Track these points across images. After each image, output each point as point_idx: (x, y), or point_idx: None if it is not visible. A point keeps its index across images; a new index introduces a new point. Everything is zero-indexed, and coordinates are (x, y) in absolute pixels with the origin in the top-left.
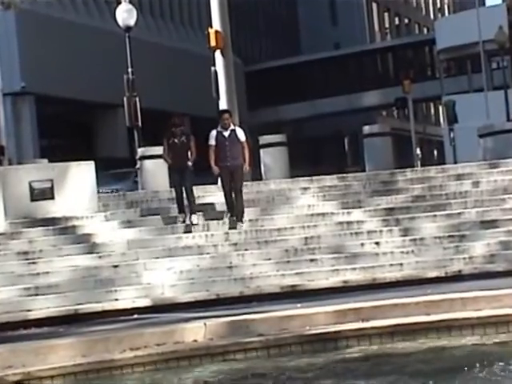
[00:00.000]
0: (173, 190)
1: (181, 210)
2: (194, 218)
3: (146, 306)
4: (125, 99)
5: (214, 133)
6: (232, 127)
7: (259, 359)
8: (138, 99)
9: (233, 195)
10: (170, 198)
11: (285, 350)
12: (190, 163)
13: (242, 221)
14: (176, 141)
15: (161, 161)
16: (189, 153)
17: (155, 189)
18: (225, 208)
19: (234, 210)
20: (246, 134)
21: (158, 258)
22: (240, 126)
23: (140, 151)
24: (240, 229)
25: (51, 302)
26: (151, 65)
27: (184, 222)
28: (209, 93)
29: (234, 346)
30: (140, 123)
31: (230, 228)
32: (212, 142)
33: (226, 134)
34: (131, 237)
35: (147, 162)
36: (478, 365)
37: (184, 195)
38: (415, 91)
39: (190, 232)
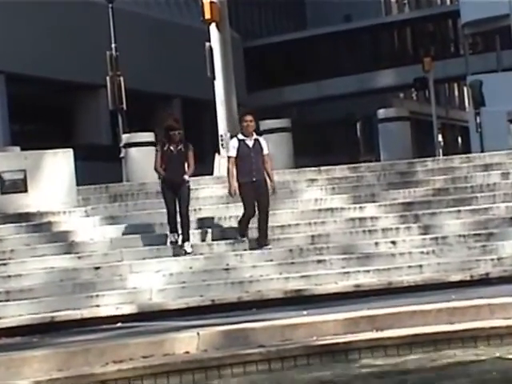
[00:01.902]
0: (167, 204)
1: (172, 229)
2: (188, 247)
3: (132, 313)
4: (107, 79)
5: (235, 142)
6: (254, 135)
7: (259, 373)
8: (122, 79)
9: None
10: (159, 190)
11: (288, 363)
12: (187, 177)
13: (266, 243)
14: (172, 149)
15: (148, 149)
16: (185, 164)
17: (142, 180)
18: (239, 227)
19: (260, 232)
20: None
21: (145, 258)
22: (259, 134)
23: (125, 138)
24: (266, 250)
25: (24, 308)
26: (137, 40)
27: (176, 243)
28: (203, 72)
29: (231, 358)
30: (125, 106)
31: (250, 248)
32: (233, 152)
33: (250, 143)
34: (115, 235)
35: (133, 150)
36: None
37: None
38: (437, 70)
39: (179, 256)
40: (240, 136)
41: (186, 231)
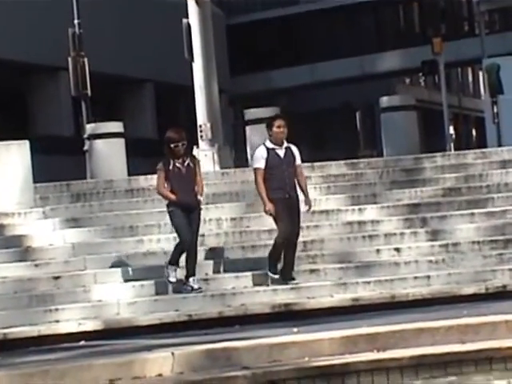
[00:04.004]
0: (179, 232)
1: (175, 261)
2: (195, 283)
3: (96, 330)
4: (69, 60)
5: (263, 151)
6: (285, 143)
7: None
8: (86, 60)
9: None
10: (129, 189)
11: None
12: (202, 198)
13: (293, 276)
14: (179, 166)
15: (116, 141)
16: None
17: (109, 177)
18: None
19: (286, 262)
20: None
21: (112, 267)
22: (292, 142)
23: (89, 128)
24: (293, 284)
25: None
26: (104, 16)
27: (175, 280)
28: (179, 53)
29: (210, 382)
30: (89, 92)
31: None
32: (261, 163)
33: (281, 152)
34: (77, 239)
35: (98, 143)
36: None
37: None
38: (448, 52)
39: (181, 293)
40: (268, 144)
41: (193, 265)
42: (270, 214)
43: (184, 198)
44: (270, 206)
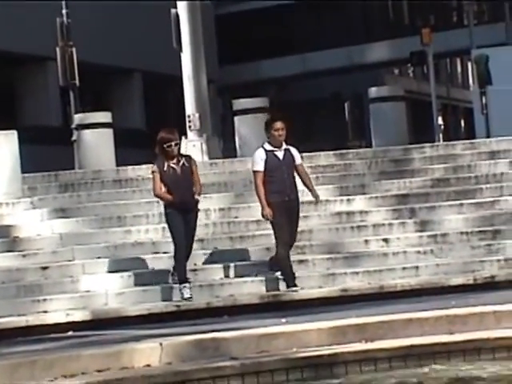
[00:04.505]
0: (175, 239)
1: (183, 277)
2: (187, 291)
3: (85, 320)
4: (57, 50)
5: (261, 153)
6: (284, 145)
7: None
8: (74, 50)
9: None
10: (117, 179)
11: (265, 377)
12: (200, 198)
13: (295, 284)
14: (174, 166)
15: (104, 131)
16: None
17: (97, 167)
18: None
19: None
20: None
21: (100, 257)
22: (291, 144)
23: (77, 118)
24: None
25: None
26: (92, 5)
27: (189, 296)
28: (168, 43)
29: (198, 372)
30: (77, 81)
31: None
32: (260, 166)
33: (280, 154)
34: (65, 230)
35: (86, 133)
36: None
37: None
38: (437, 43)
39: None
40: (267, 146)
41: (185, 266)
42: (267, 219)
43: (181, 199)
44: (267, 211)
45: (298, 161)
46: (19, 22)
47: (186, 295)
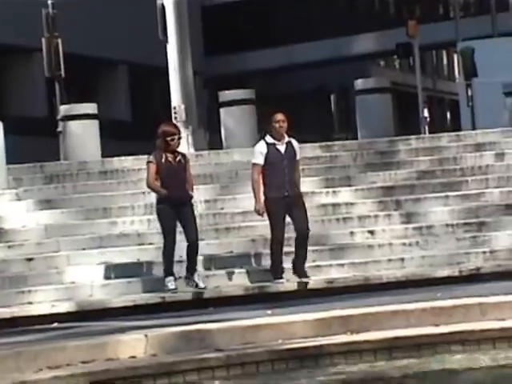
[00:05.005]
0: (164, 233)
1: (169, 271)
2: (200, 280)
3: (70, 312)
4: (43, 41)
5: (263, 146)
6: (286, 137)
7: (217, 381)
8: (60, 41)
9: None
10: (102, 170)
11: (250, 369)
12: (193, 194)
13: (307, 274)
14: (171, 160)
15: (90, 122)
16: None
17: (82, 159)
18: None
19: (297, 260)
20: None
21: (85, 249)
22: (292, 136)
23: (63, 109)
24: (307, 279)
25: None
26: None
27: (174, 287)
28: (154, 34)
29: (183, 363)
30: (63, 73)
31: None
32: (260, 159)
33: (282, 148)
34: (50, 221)
35: (72, 124)
36: None
37: (179, 244)
38: (423, 35)
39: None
40: (269, 139)
41: (195, 261)
42: (259, 214)
43: (175, 193)
44: (260, 206)
45: (298, 156)
46: (5, 13)
47: (171, 286)
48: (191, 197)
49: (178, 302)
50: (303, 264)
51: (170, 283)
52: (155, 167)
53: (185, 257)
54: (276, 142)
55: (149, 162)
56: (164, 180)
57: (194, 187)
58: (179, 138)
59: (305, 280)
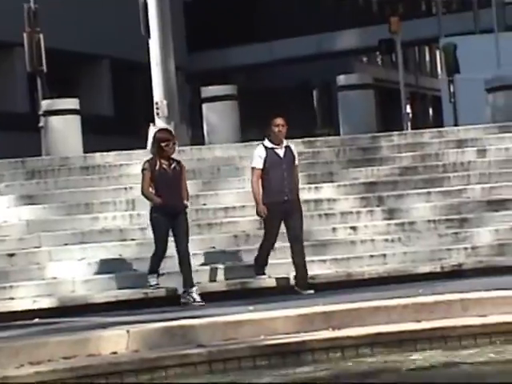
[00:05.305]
0: (156, 240)
1: (154, 268)
2: (153, 279)
3: (51, 307)
4: (25, 36)
5: (261, 151)
6: (285, 142)
7: (198, 377)
8: (41, 36)
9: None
10: (84, 166)
11: (232, 364)
12: (188, 203)
13: (308, 286)
14: (165, 168)
15: (72, 117)
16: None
17: (64, 154)
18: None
19: (298, 270)
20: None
21: (67, 244)
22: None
23: (44, 104)
24: (308, 294)
25: None
26: None
27: (158, 285)
28: (136, 29)
29: (166, 359)
30: (45, 68)
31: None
32: (259, 163)
33: (281, 152)
34: (32, 217)
35: (54, 119)
36: None
37: (168, 252)
38: (405, 31)
39: (186, 305)
40: (267, 143)
41: (190, 273)
42: (261, 217)
43: (169, 201)
44: (261, 208)
45: (297, 161)
46: None
47: (153, 282)
48: (186, 206)
49: (160, 297)
50: (305, 278)
51: (153, 279)
52: (150, 174)
53: (168, 253)
54: (275, 147)
55: (143, 170)
56: (158, 188)
57: None
58: (174, 144)
59: (308, 292)
